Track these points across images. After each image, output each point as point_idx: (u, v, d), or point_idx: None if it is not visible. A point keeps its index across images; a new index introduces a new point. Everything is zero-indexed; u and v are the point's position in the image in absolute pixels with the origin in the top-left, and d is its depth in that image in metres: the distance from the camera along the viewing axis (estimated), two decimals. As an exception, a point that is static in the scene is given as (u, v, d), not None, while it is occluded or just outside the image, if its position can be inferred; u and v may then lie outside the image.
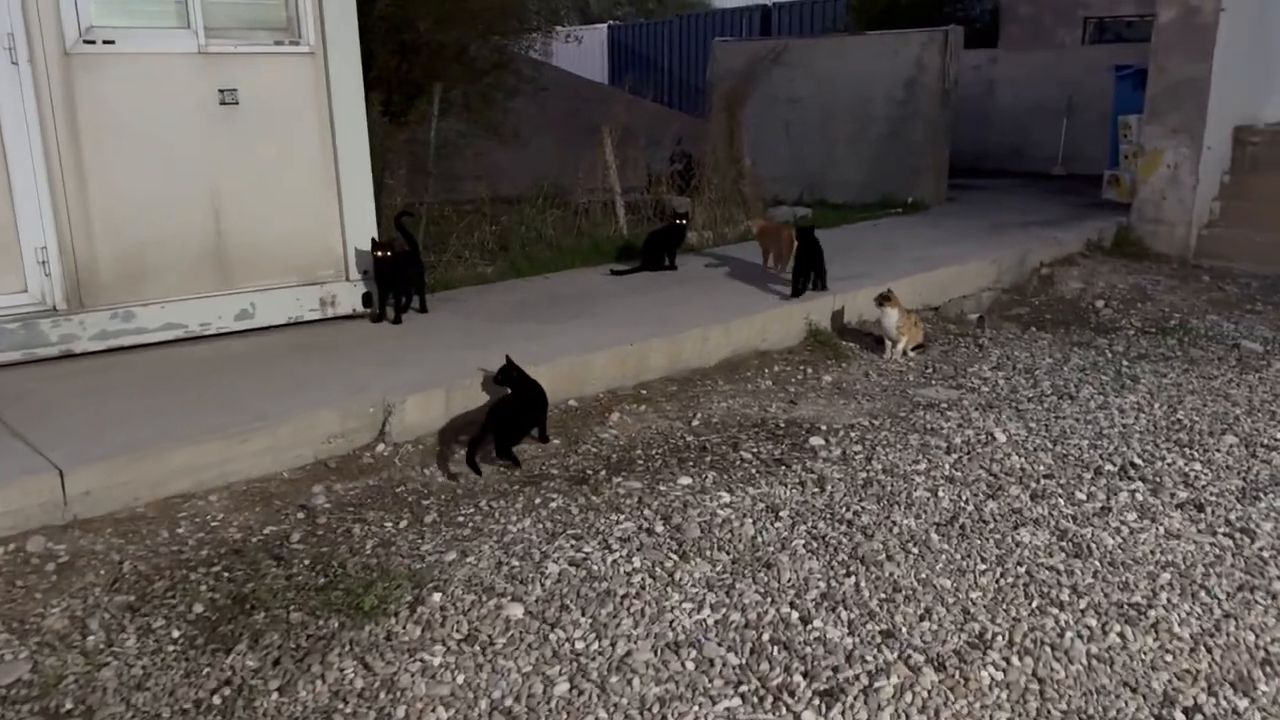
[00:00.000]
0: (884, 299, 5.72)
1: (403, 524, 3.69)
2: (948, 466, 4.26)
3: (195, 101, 5.02)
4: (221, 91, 5.07)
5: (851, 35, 12.70)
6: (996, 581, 3.34)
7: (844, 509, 3.84)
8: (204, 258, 5.15)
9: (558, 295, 6.35)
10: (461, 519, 3.74)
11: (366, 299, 5.64)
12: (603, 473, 4.18)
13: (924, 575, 3.36)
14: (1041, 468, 4.28)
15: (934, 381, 5.50)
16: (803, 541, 3.58)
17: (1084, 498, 4.00)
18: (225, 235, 5.18)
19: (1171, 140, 8.69)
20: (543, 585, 3.26)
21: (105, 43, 4.75)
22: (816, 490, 4.02)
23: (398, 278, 5.60)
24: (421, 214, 6.42)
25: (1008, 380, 5.50)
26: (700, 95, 14.13)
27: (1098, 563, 3.48)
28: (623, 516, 3.76)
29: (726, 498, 3.94)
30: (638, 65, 20.14)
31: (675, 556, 3.46)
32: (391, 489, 3.97)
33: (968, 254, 7.56)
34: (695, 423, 4.77)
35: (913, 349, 5.95)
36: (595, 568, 3.37)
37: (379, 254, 5.41)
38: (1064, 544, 3.61)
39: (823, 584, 3.29)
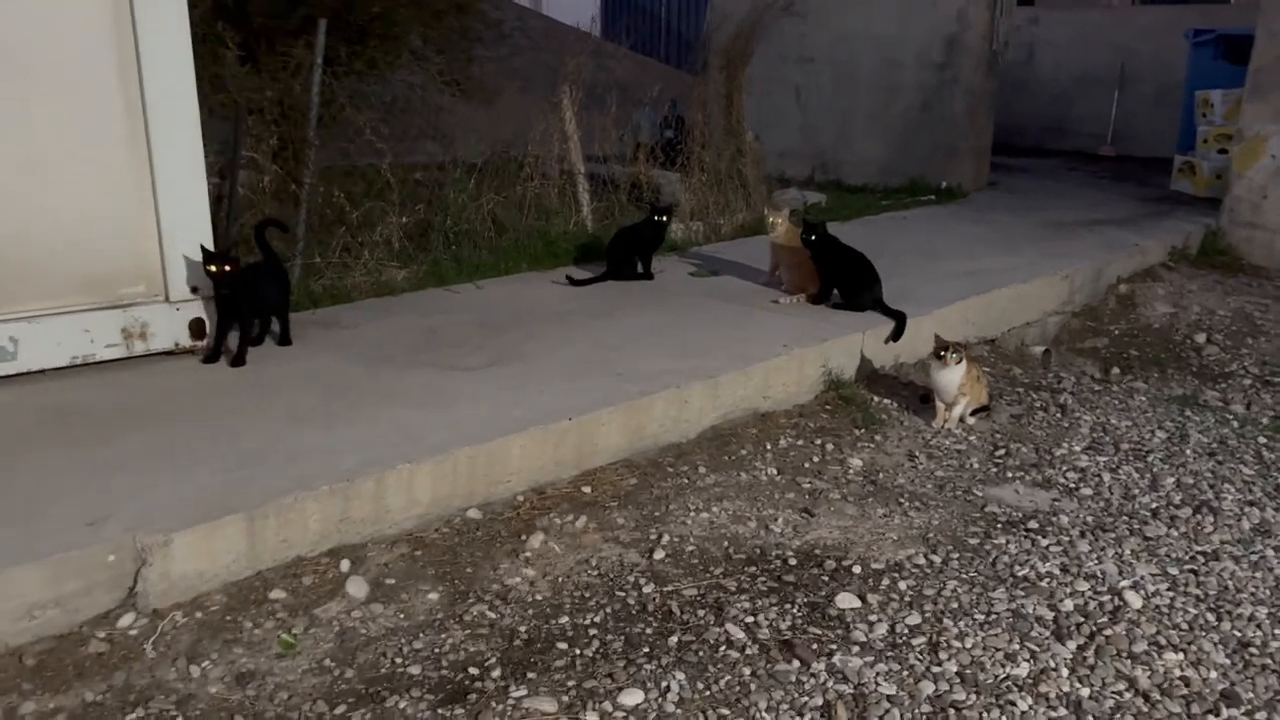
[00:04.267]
0: (945, 350, 4.03)
1: (104, 817, 2.02)
2: (1064, 671, 2.59)
3: (-92, 32, 3.27)
4: (-46, 18, 3.32)
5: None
6: None
7: (904, 784, 2.19)
8: (-70, 270, 3.43)
9: (484, 318, 4.63)
10: (219, 799, 2.08)
11: (200, 327, 3.93)
12: (495, 674, 2.50)
13: None
14: (1213, 674, 2.62)
15: (1009, 472, 3.82)
16: None
17: (1302, 751, 2.35)
18: (-35, 236, 3.46)
19: (1278, 124, 6.96)
20: None
21: None
22: (853, 729, 2.36)
23: (245, 298, 3.89)
24: (303, 198, 4.69)
25: (1114, 474, 3.83)
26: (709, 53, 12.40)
27: None
28: (511, 799, 2.10)
29: (700, 746, 2.27)
30: (634, 15, 18.24)
31: None
32: (121, 715, 2.30)
33: (1031, 266, 5.85)
34: (660, 554, 3.09)
35: (973, 413, 4.28)
36: None
37: (214, 269, 3.70)
38: None
39: None
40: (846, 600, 2.87)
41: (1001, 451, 4.00)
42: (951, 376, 4.06)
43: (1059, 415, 4.43)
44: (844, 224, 7.09)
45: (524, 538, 3.10)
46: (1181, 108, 9.76)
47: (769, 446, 3.91)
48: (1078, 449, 4.07)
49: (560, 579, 2.93)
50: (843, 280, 4.86)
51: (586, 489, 3.43)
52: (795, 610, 2.82)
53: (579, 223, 6.02)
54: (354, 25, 7.20)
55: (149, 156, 3.69)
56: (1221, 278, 6.73)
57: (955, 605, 2.88)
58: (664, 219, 5.27)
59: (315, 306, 4.70)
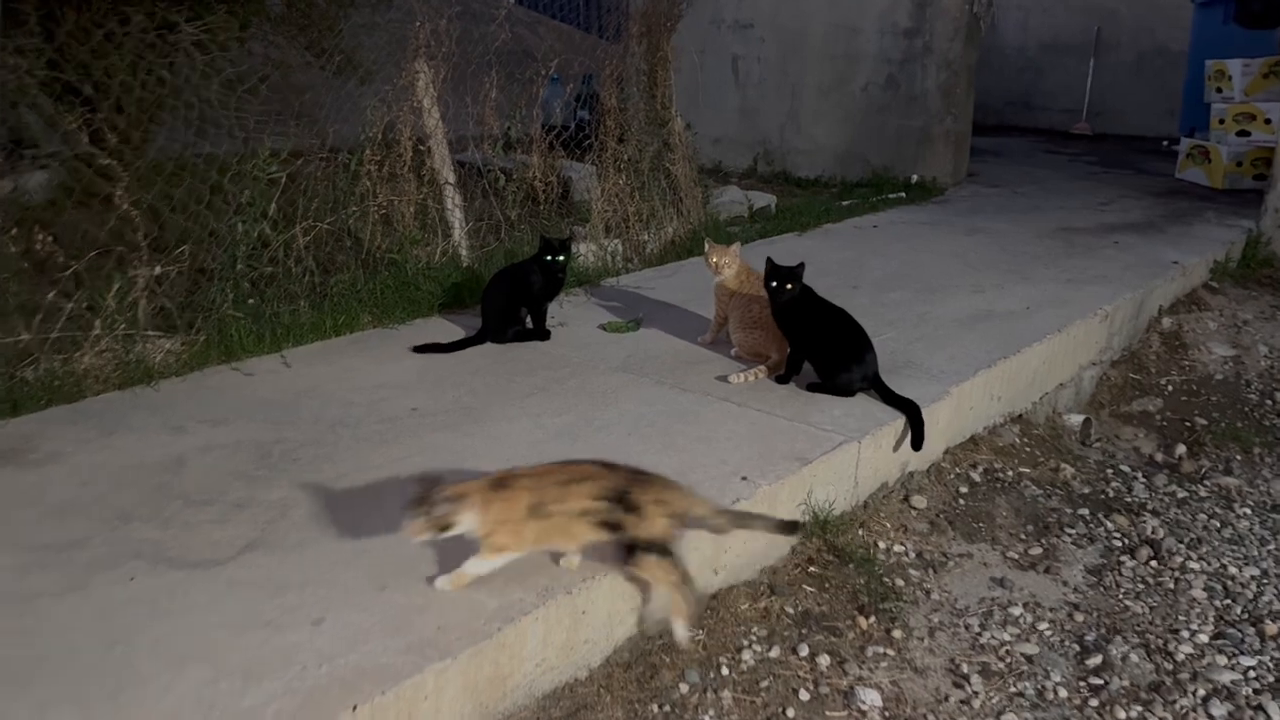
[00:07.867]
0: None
1: None
2: None
3: None
4: None
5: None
6: None
7: None
8: None
9: (270, 434, 2.94)
10: None
11: None
12: None
13: None
14: None
15: (1119, 706, 2.32)
16: None
17: None
18: None
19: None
20: None
21: None
22: None
23: None
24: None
25: (1285, 702, 2.35)
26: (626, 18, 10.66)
27: None
28: None
29: None
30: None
31: None
32: None
33: (1057, 303, 4.36)
34: None
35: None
36: None
37: None
38: None
39: None
40: None
41: (1096, 658, 2.48)
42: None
43: (1153, 564, 2.94)
44: (800, 237, 5.58)
45: None
46: (1174, 78, 8.46)
47: (725, 669, 2.34)
48: (1203, 638, 2.59)
49: None
50: (819, 351, 3.30)
51: (391, 835, 1.83)
52: None
53: (448, 251, 4.35)
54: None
55: None
56: (1277, 299, 5.34)
57: None
58: (560, 258, 3.63)
59: (13, 414, 3.00)
